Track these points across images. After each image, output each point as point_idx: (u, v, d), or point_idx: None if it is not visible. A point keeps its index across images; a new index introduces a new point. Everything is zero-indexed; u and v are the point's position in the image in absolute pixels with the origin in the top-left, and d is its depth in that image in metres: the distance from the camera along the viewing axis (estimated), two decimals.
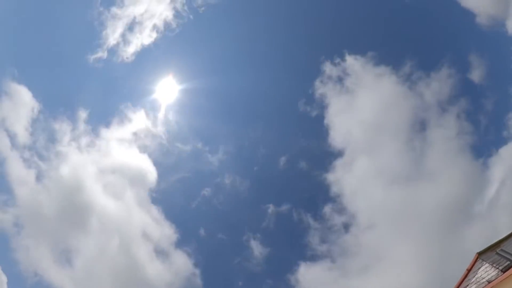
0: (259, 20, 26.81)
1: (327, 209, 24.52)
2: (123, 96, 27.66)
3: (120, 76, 27.22)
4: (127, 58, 26.46)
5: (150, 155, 26.86)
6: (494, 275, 10.43)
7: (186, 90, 26.82)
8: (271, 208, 25.20)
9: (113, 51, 26.50)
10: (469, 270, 11.32)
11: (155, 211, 25.84)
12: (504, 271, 10.16)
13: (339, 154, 25.06)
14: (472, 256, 11.45)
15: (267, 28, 26.74)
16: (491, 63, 23.61)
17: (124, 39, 26.52)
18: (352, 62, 25.00)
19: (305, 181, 25.93)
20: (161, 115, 27.11)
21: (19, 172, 25.65)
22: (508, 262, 10.35)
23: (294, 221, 25.14)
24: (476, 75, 23.73)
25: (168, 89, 26.95)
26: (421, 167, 24.10)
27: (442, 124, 24.16)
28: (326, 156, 25.27)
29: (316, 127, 25.75)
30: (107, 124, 27.00)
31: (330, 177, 24.76)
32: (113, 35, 26.38)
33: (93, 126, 26.65)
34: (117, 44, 26.50)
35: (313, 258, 24.23)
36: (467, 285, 11.09)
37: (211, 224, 25.92)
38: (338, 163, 24.97)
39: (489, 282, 10.35)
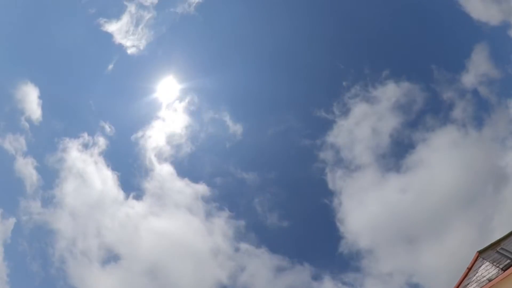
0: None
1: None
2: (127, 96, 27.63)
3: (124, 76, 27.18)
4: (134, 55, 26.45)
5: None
6: (494, 274, 10.46)
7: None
8: None
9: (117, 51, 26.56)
10: (469, 269, 11.36)
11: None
12: (504, 269, 10.19)
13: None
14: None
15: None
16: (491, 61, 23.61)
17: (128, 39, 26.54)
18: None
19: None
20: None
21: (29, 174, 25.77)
22: (509, 261, 10.38)
23: None
24: (479, 70, 23.71)
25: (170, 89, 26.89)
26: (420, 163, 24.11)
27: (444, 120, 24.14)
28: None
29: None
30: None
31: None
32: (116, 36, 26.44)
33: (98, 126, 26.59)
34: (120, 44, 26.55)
35: None
36: (468, 284, 11.14)
37: None
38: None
39: (489, 280, 10.38)
